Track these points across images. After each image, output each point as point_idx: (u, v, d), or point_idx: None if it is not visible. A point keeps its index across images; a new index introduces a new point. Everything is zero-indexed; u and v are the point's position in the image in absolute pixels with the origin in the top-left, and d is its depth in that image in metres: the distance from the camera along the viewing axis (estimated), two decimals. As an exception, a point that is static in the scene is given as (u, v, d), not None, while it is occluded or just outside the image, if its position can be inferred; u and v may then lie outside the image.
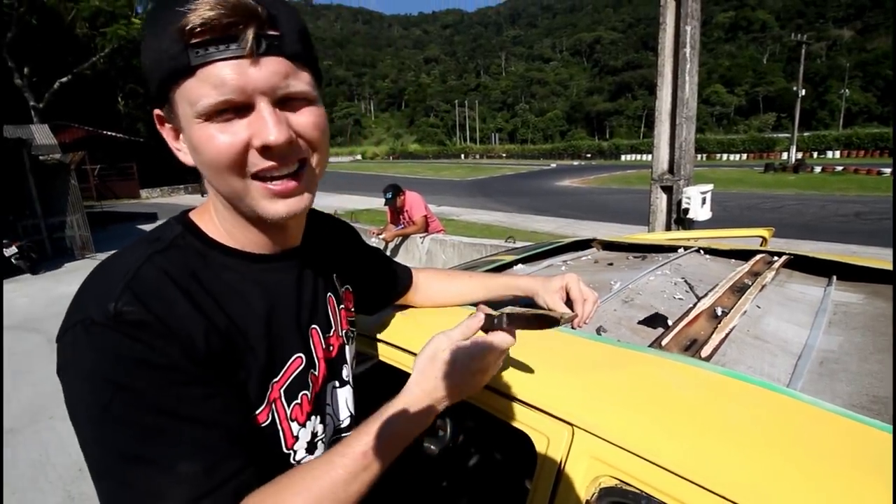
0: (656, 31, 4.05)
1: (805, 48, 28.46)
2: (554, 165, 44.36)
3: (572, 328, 0.89)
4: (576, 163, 49.27)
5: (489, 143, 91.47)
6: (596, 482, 0.58)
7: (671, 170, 4.14)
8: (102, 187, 22.09)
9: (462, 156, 70.39)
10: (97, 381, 0.45)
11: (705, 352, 0.78)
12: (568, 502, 0.60)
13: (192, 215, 0.59)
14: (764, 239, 2.01)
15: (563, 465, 0.62)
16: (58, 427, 3.17)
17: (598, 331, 0.91)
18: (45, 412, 3.37)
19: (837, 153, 37.75)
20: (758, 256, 1.40)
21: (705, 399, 0.63)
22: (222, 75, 0.46)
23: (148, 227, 13.46)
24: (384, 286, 0.90)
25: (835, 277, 1.29)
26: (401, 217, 5.18)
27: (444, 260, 5.28)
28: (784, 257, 1.39)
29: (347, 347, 0.71)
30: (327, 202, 17.62)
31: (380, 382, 1.32)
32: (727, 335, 0.85)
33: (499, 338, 0.59)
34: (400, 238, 5.49)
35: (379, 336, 0.93)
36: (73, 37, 16.37)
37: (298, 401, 0.59)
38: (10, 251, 7.69)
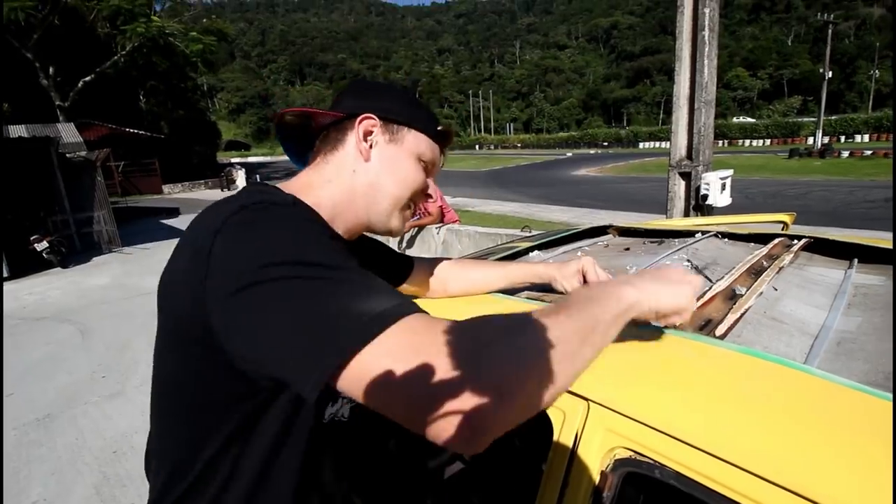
0: (675, 13, 3.96)
1: (832, 28, 27.39)
2: (570, 154, 43.75)
3: (588, 310, 0.91)
4: (592, 151, 48.56)
5: (504, 134, 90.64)
6: (611, 453, 0.61)
7: (689, 155, 4.06)
8: (126, 183, 22.67)
9: (476, 147, 69.92)
10: (290, 231, 0.51)
11: (719, 331, 0.79)
12: (584, 473, 0.62)
13: (292, 193, 0.66)
14: (785, 224, 1.98)
15: (578, 438, 0.64)
16: (92, 412, 3.32)
17: (614, 312, 0.92)
18: (80, 398, 3.53)
19: (867, 137, 36.27)
20: (777, 240, 1.38)
21: (718, 374, 0.64)
22: (439, 156, 0.79)
23: (171, 222, 13.80)
24: (384, 275, 0.92)
25: (856, 260, 1.28)
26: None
27: (460, 250, 5.30)
28: (804, 240, 1.37)
29: None
30: (343, 195, 17.66)
31: None
32: (742, 315, 0.86)
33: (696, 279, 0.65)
34: (416, 229, 5.52)
35: None
36: (95, 36, 16.74)
37: None
38: (42, 246, 7.98)
